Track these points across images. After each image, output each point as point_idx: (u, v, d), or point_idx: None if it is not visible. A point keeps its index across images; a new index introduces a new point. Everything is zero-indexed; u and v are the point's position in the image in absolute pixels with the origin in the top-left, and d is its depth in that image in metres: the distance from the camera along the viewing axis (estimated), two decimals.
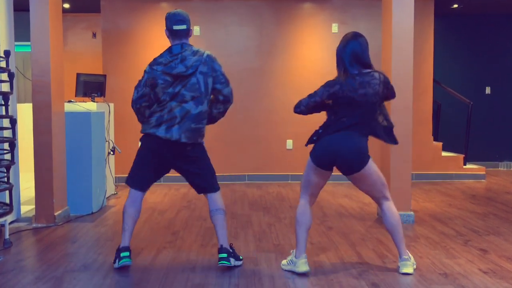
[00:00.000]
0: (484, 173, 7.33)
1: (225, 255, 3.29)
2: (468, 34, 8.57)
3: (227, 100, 3.32)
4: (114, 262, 3.31)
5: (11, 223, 4.38)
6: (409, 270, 3.20)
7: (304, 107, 3.20)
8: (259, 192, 6.37)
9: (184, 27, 3.22)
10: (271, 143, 7.22)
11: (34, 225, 4.53)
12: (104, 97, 5.89)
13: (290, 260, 3.28)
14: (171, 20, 3.22)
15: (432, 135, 7.51)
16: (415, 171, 6.99)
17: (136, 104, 3.27)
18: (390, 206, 3.25)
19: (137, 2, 7.09)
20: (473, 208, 5.27)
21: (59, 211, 4.67)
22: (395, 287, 3.00)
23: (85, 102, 5.43)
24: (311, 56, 7.19)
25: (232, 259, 3.30)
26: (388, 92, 3.24)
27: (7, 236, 3.90)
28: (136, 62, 6.83)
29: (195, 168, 3.31)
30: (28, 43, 4.59)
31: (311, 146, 3.25)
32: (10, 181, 3.96)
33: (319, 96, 3.15)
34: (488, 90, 8.62)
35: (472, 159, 8.17)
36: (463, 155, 7.46)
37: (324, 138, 3.15)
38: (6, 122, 4.16)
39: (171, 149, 3.21)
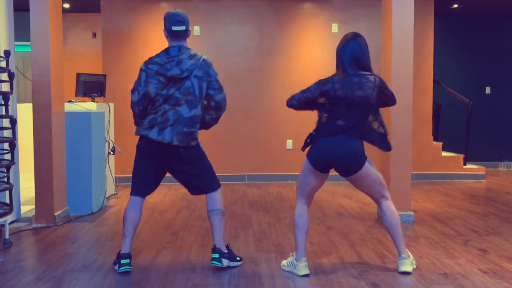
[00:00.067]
0: (484, 173, 7.33)
1: (217, 255, 3.28)
2: (468, 34, 8.57)
3: (219, 107, 3.27)
4: (115, 264, 3.30)
5: (11, 223, 4.38)
6: (408, 268, 3.20)
7: (296, 102, 3.22)
8: (259, 192, 6.37)
9: (183, 28, 3.21)
10: (271, 143, 7.22)
11: (34, 225, 4.53)
12: (104, 97, 5.89)
13: (291, 262, 3.27)
14: (170, 20, 3.20)
15: (432, 135, 7.51)
16: (415, 171, 6.99)
17: (139, 106, 3.21)
18: (389, 206, 3.26)
19: (137, 2, 7.10)
20: (473, 208, 5.27)
21: (59, 211, 4.67)
22: (395, 287, 3.00)
23: (85, 102, 5.43)
24: (311, 56, 7.19)
25: (225, 260, 3.29)
26: (386, 97, 3.23)
27: (7, 236, 3.90)
28: (136, 62, 6.82)
29: (191, 168, 3.28)
30: (28, 43, 4.59)
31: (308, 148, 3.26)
32: (10, 181, 3.96)
33: (311, 93, 3.16)
34: (488, 90, 8.63)
35: (472, 159, 8.16)
36: (463, 155, 7.46)
37: (321, 141, 3.15)
38: (6, 122, 4.16)
39: (163, 151, 3.19)
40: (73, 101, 5.31)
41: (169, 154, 3.21)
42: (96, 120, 5.16)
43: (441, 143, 7.48)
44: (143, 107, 3.22)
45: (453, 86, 8.15)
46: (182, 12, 3.24)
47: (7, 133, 4.27)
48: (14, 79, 4.10)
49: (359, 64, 3.12)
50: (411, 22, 4.58)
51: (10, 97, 4.02)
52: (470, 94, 8.20)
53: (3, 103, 3.95)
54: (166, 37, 3.25)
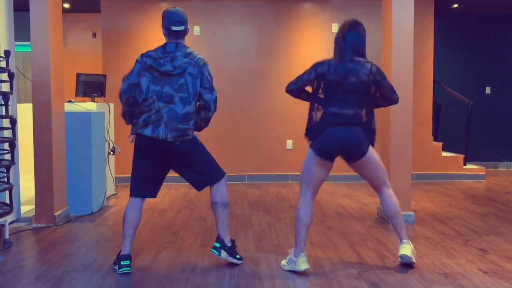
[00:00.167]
0: (484, 173, 7.33)
1: (218, 245, 3.30)
2: (468, 34, 8.57)
3: (208, 107, 3.24)
4: (115, 265, 3.30)
5: (11, 223, 4.38)
6: (407, 251, 3.23)
7: (294, 86, 3.25)
8: (259, 192, 6.37)
9: (182, 28, 3.21)
10: (271, 143, 7.22)
11: (34, 225, 4.53)
12: (104, 97, 5.89)
13: (290, 260, 3.28)
14: (169, 20, 3.20)
15: (432, 135, 7.51)
16: (415, 171, 6.99)
17: (126, 94, 3.18)
18: (391, 194, 3.34)
19: (137, 2, 7.10)
20: (473, 208, 5.27)
21: (59, 211, 4.67)
22: (395, 287, 3.00)
23: (85, 102, 5.43)
24: (311, 56, 7.17)
25: (224, 252, 3.30)
26: (384, 89, 3.22)
27: (7, 236, 3.90)
28: None
29: (190, 159, 3.24)
30: (28, 43, 4.59)
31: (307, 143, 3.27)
32: (10, 181, 3.96)
33: (307, 74, 3.21)
34: (488, 90, 8.63)
35: (472, 159, 8.16)
36: (463, 155, 7.46)
37: (328, 130, 3.15)
38: (6, 122, 4.16)
39: (159, 148, 3.17)
40: (73, 101, 5.31)
41: (166, 150, 3.19)
42: (96, 120, 5.16)
43: (441, 143, 7.48)
44: (132, 98, 3.17)
45: (453, 86, 8.15)
46: (181, 11, 3.24)
47: (7, 133, 4.27)
48: (14, 79, 4.10)
49: (357, 52, 3.18)
50: (411, 22, 4.58)
51: (10, 97, 4.02)
52: (470, 94, 8.20)
53: (3, 103, 3.95)
54: (164, 35, 3.26)
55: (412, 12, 4.58)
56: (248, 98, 7.17)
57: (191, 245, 3.92)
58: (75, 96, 5.61)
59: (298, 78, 3.25)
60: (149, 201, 5.59)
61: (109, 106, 5.73)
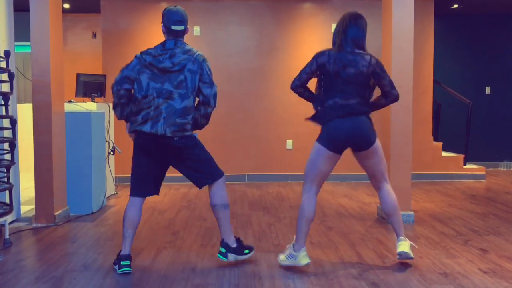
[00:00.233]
0: (484, 173, 7.33)
1: (223, 249, 3.31)
2: (468, 34, 8.57)
3: (207, 102, 3.22)
4: (115, 264, 3.30)
5: (11, 223, 4.38)
6: (406, 248, 3.24)
7: (298, 81, 3.27)
8: (259, 192, 6.37)
9: (181, 28, 3.21)
10: (271, 143, 7.22)
11: (34, 225, 4.54)
12: (104, 97, 5.89)
13: (290, 255, 3.27)
14: (169, 19, 3.20)
15: (432, 135, 7.52)
16: (415, 171, 6.99)
17: (118, 86, 3.15)
18: (390, 190, 3.36)
19: (137, 2, 7.10)
20: (473, 208, 5.27)
21: (59, 211, 4.67)
22: (395, 287, 3.00)
23: (85, 102, 5.43)
24: (311, 56, 7.16)
25: (231, 255, 3.30)
26: (383, 81, 3.21)
27: (7, 236, 3.90)
28: None
29: (188, 157, 3.22)
30: (28, 43, 4.59)
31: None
32: (10, 181, 3.97)
33: (309, 66, 3.24)
34: (488, 90, 8.63)
35: (472, 159, 8.16)
36: (463, 155, 7.46)
37: (335, 121, 3.15)
38: (6, 122, 4.16)
39: (158, 144, 3.17)
40: (73, 101, 5.31)
41: (165, 146, 3.18)
42: (96, 120, 5.16)
43: (441, 143, 7.49)
44: (123, 90, 3.15)
45: (453, 86, 8.15)
46: (182, 11, 3.23)
47: (7, 133, 4.27)
48: (14, 79, 4.10)
49: (357, 44, 3.20)
50: (411, 22, 4.59)
51: (10, 97, 4.02)
52: (470, 94, 8.21)
53: (3, 103, 3.95)
54: (164, 33, 3.26)
55: (412, 12, 4.58)
56: (248, 98, 7.17)
57: (191, 245, 3.92)
58: (75, 96, 5.61)
59: (300, 72, 3.27)
60: (149, 200, 5.59)
61: (109, 106, 5.73)
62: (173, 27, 3.19)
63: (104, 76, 6.03)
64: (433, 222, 4.65)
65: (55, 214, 4.58)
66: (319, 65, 3.19)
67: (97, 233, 4.31)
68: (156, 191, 3.36)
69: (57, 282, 3.09)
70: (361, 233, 4.25)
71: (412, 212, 4.63)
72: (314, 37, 7.21)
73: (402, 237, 3.33)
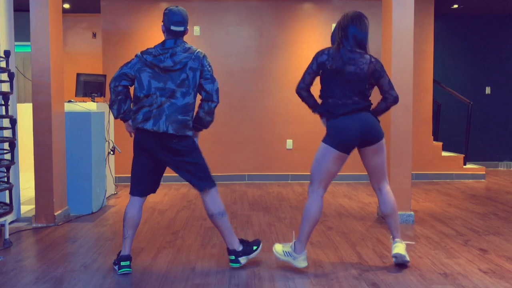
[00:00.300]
0: (484, 173, 7.33)
1: (232, 257, 3.29)
2: (468, 34, 8.57)
3: (210, 98, 3.21)
4: (115, 265, 3.30)
5: (11, 223, 4.38)
6: (401, 251, 3.23)
7: (303, 83, 3.25)
8: (259, 192, 6.37)
9: (181, 29, 3.21)
10: (271, 143, 7.22)
11: (34, 225, 4.54)
12: (104, 97, 5.89)
13: (289, 253, 3.25)
14: (170, 20, 3.20)
15: (432, 135, 7.52)
16: (415, 171, 7.00)
17: (115, 82, 3.14)
18: (390, 190, 3.35)
19: (137, 2, 7.10)
20: (473, 208, 5.27)
21: (59, 211, 4.68)
22: (395, 287, 3.00)
23: (85, 102, 5.43)
24: (311, 56, 7.13)
25: (242, 258, 3.30)
26: (382, 80, 3.20)
27: (7, 236, 3.90)
28: None
29: (186, 159, 3.21)
30: (28, 43, 4.59)
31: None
32: (10, 181, 3.97)
33: (310, 67, 3.22)
34: (488, 90, 8.63)
35: (472, 159, 8.17)
36: (463, 155, 7.46)
37: (340, 119, 3.13)
38: (6, 122, 4.16)
39: (159, 142, 3.16)
40: (73, 101, 5.31)
41: (165, 145, 3.17)
42: (96, 120, 5.16)
43: (441, 143, 7.48)
44: (121, 87, 3.14)
45: (453, 86, 8.16)
46: (183, 12, 3.23)
47: (7, 133, 4.27)
48: (14, 79, 4.10)
49: (359, 44, 3.18)
50: (411, 22, 4.58)
51: (10, 97, 4.03)
52: (470, 94, 8.21)
53: (3, 103, 3.95)
54: (163, 32, 3.25)
55: (412, 12, 4.58)
56: (248, 98, 7.18)
57: (191, 245, 3.92)
58: (75, 96, 5.61)
59: (303, 74, 3.26)
60: (149, 201, 5.60)
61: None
62: (172, 28, 3.19)
63: (104, 76, 6.03)
64: (433, 222, 4.65)
65: (55, 214, 4.58)
66: (319, 64, 3.19)
67: (97, 233, 4.31)
68: (153, 190, 3.35)
69: (57, 282, 3.09)
70: (361, 233, 4.25)
71: (412, 212, 4.63)
72: (314, 37, 7.21)
73: (398, 239, 3.31)
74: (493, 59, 8.57)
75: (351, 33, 3.17)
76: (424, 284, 3.02)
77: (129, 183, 3.37)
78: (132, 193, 3.30)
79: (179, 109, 3.15)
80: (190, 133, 3.21)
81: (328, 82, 3.19)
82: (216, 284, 3.05)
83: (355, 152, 3.30)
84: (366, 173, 3.36)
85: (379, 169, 3.28)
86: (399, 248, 3.27)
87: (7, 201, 4.04)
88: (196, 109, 3.26)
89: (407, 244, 3.43)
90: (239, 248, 3.32)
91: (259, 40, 7.21)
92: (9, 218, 4.06)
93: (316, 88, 3.29)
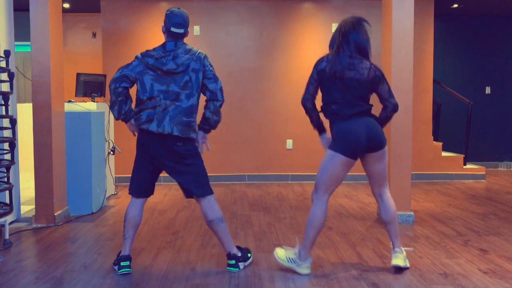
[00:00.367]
0: (484, 173, 7.33)
1: (233, 261, 3.28)
2: (468, 34, 8.57)
3: (215, 97, 3.20)
4: (115, 265, 3.30)
5: (11, 223, 4.38)
6: (400, 262, 3.21)
7: (307, 93, 3.21)
8: (259, 192, 6.37)
9: (181, 31, 3.20)
10: (271, 143, 7.22)
11: (34, 225, 4.54)
12: (104, 97, 5.89)
13: (293, 260, 3.23)
14: (171, 21, 3.20)
15: (432, 135, 7.52)
16: (415, 171, 7.00)
17: (115, 83, 3.13)
18: (390, 198, 3.30)
19: (137, 2, 7.10)
20: (473, 208, 5.27)
21: (59, 211, 4.67)
22: (395, 287, 3.00)
23: (85, 102, 5.43)
24: (311, 56, 7.18)
25: (241, 264, 3.30)
26: (381, 87, 3.16)
27: (7, 236, 3.90)
28: None
29: (187, 163, 3.20)
30: (28, 43, 4.59)
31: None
32: (10, 181, 3.97)
33: (312, 77, 3.20)
34: (488, 90, 8.63)
35: (472, 159, 8.17)
36: (463, 155, 7.46)
37: (348, 124, 3.10)
38: (6, 122, 4.16)
39: (163, 144, 3.15)
40: (73, 101, 5.31)
41: (168, 149, 3.16)
42: (96, 120, 5.16)
43: (441, 143, 7.49)
44: (121, 88, 3.13)
45: (453, 86, 8.15)
46: (184, 14, 3.22)
47: (7, 133, 4.27)
48: (14, 79, 4.10)
49: (360, 50, 3.14)
50: (411, 22, 4.58)
51: (10, 97, 4.03)
52: (470, 94, 8.21)
53: (3, 103, 3.95)
54: (163, 32, 3.25)
55: (412, 12, 4.58)
56: (248, 98, 7.17)
57: (191, 245, 3.92)
58: (75, 96, 5.61)
59: (306, 85, 3.21)
60: (149, 201, 5.60)
61: (108, 106, 5.73)
62: (172, 29, 3.19)
63: (104, 76, 6.03)
64: (433, 222, 4.65)
65: (55, 214, 4.58)
66: (319, 72, 3.15)
67: (97, 233, 4.31)
68: (152, 191, 3.36)
69: (57, 282, 3.09)
70: (361, 233, 4.25)
71: (412, 212, 4.63)
72: (314, 37, 7.21)
73: (398, 248, 3.26)
74: (493, 59, 8.57)
75: (352, 38, 3.12)
76: (424, 284, 3.02)
77: (129, 183, 3.36)
78: (134, 194, 3.29)
79: (183, 111, 3.15)
80: (194, 135, 3.21)
81: (328, 87, 3.15)
82: (216, 284, 3.05)
83: None
84: (362, 164, 3.32)
85: (381, 176, 3.25)
86: (399, 259, 3.22)
87: (7, 201, 4.04)
88: (199, 111, 3.26)
89: (406, 251, 3.41)
90: (238, 253, 3.32)
91: (259, 40, 7.22)
92: (9, 218, 4.06)
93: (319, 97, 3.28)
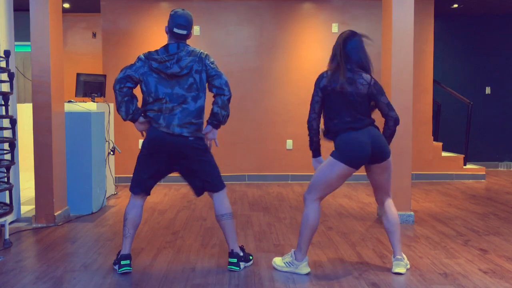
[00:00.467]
0: (484, 173, 7.33)
1: (235, 260, 3.29)
2: (468, 34, 8.57)
3: (221, 92, 3.22)
4: (115, 264, 3.30)
5: (11, 223, 4.38)
6: (402, 270, 3.20)
7: (313, 113, 3.20)
8: (259, 192, 6.37)
9: (184, 32, 3.21)
10: (271, 143, 7.22)
11: (34, 225, 4.53)
12: (104, 97, 5.89)
13: (290, 263, 3.24)
14: (174, 22, 3.20)
15: (432, 135, 7.52)
16: (415, 171, 7.00)
17: (120, 84, 3.12)
18: (392, 205, 3.31)
19: (137, 2, 7.10)
20: (473, 208, 5.27)
21: (59, 211, 4.67)
22: (395, 287, 3.00)
23: (85, 102, 5.42)
24: (311, 56, 7.19)
25: (242, 263, 3.30)
26: (380, 103, 3.16)
27: (7, 236, 3.90)
28: None
29: (199, 160, 3.22)
30: (28, 43, 4.59)
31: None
32: (10, 181, 3.97)
33: (315, 95, 3.19)
34: (488, 90, 8.63)
35: (472, 159, 8.17)
36: (463, 155, 7.46)
37: (352, 134, 3.09)
38: (6, 122, 4.16)
39: (173, 144, 3.15)
40: (73, 101, 5.31)
41: (177, 146, 3.16)
42: (96, 120, 5.16)
43: (441, 143, 7.49)
44: (126, 88, 3.13)
45: (453, 86, 8.15)
46: (188, 15, 3.23)
47: (7, 133, 4.27)
48: (14, 79, 4.10)
49: (357, 62, 3.14)
50: (411, 22, 4.58)
51: (10, 97, 4.02)
52: (470, 94, 8.21)
53: (3, 103, 3.95)
54: (166, 33, 3.26)
55: (412, 12, 4.58)
56: (248, 98, 7.17)
57: (191, 245, 3.92)
58: (75, 96, 5.60)
59: (311, 104, 3.21)
60: (149, 201, 5.60)
61: (109, 106, 5.73)
62: (175, 30, 3.19)
63: (104, 76, 6.03)
64: (433, 222, 4.65)
65: (55, 214, 4.58)
66: (322, 89, 3.15)
67: (97, 233, 4.30)
68: (149, 192, 3.34)
69: (57, 282, 3.09)
70: (361, 233, 4.25)
71: (412, 212, 4.63)
72: (314, 37, 7.21)
73: (399, 256, 3.25)
74: (493, 59, 8.57)
75: (350, 53, 3.13)
76: (424, 284, 3.02)
77: (129, 184, 3.36)
78: (136, 193, 3.29)
79: (192, 113, 3.17)
80: (202, 135, 3.25)
81: (331, 103, 3.15)
82: (216, 284, 3.05)
83: None
84: (366, 173, 3.33)
85: (385, 186, 3.26)
86: (400, 268, 3.21)
87: (7, 201, 4.04)
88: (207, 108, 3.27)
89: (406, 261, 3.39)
90: (241, 253, 3.33)
91: (259, 40, 7.21)
92: (9, 218, 4.06)
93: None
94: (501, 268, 3.31)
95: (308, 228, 3.18)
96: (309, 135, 3.26)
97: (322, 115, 3.24)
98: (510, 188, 6.62)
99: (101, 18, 7.11)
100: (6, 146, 4.19)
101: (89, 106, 5.23)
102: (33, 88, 4.57)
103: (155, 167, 3.25)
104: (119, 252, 3.33)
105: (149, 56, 3.18)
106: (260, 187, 6.76)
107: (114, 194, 6.10)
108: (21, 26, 5.49)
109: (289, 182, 7.14)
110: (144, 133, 3.29)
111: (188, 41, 3.32)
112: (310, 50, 7.20)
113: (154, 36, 6.99)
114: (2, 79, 4.11)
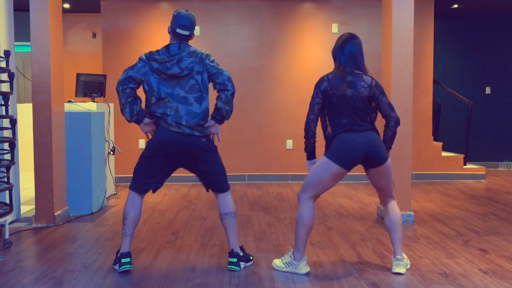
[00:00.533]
0: (484, 173, 7.33)
1: (235, 259, 3.29)
2: (468, 34, 8.57)
3: (225, 87, 3.19)
4: (115, 264, 3.30)
5: (11, 223, 4.38)
6: (402, 270, 3.20)
7: (312, 114, 3.20)
8: (259, 192, 6.37)
9: (187, 33, 3.21)
10: (271, 143, 7.22)
11: (34, 225, 4.53)
12: (104, 97, 5.89)
13: (289, 263, 3.25)
14: (177, 22, 3.20)
15: (432, 135, 7.52)
16: (415, 171, 7.00)
17: (123, 85, 3.13)
18: (395, 205, 3.31)
19: (137, 2, 7.10)
20: (473, 208, 5.27)
21: (59, 211, 4.67)
22: (395, 287, 3.00)
23: (85, 102, 5.42)
24: (311, 56, 7.19)
25: (242, 263, 3.30)
26: (381, 104, 3.16)
27: (7, 236, 3.90)
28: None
29: (208, 157, 3.24)
30: (28, 43, 4.59)
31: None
32: (10, 181, 3.97)
33: (316, 97, 3.19)
34: (488, 90, 8.63)
35: (472, 159, 8.17)
36: (463, 155, 7.46)
37: (348, 135, 3.10)
38: (6, 122, 4.16)
39: (186, 143, 3.16)
40: (73, 101, 5.31)
41: (187, 145, 3.17)
42: (96, 120, 5.16)
43: (441, 143, 7.49)
44: (129, 89, 3.13)
45: (453, 86, 8.15)
46: (191, 16, 3.23)
47: (7, 133, 4.27)
48: (14, 79, 4.10)
49: (356, 64, 3.15)
50: (411, 22, 4.58)
51: (10, 97, 4.02)
52: (470, 94, 8.21)
53: (3, 103, 3.95)
54: (169, 33, 3.26)
55: (412, 12, 4.58)
56: (248, 98, 7.17)
57: (191, 245, 3.92)
58: (75, 96, 5.60)
59: (311, 105, 3.20)
60: (149, 201, 5.60)
61: (109, 106, 5.73)
62: (178, 31, 3.19)
63: (104, 76, 6.03)
64: (433, 222, 4.65)
65: (55, 214, 4.58)
66: (322, 92, 3.15)
67: (97, 233, 4.30)
68: (151, 187, 3.33)
69: (57, 282, 3.09)
70: (361, 233, 4.25)
71: (412, 212, 4.63)
72: (314, 37, 7.21)
73: (400, 257, 3.26)
74: (493, 59, 8.57)
75: (349, 55, 3.14)
76: (424, 284, 3.02)
77: (129, 183, 3.36)
78: (135, 190, 3.28)
79: (199, 116, 3.19)
80: (210, 136, 3.29)
81: (331, 107, 3.15)
82: (216, 284, 3.05)
83: None
84: (366, 173, 3.34)
85: (386, 190, 3.27)
86: (400, 268, 3.21)
87: (7, 201, 4.04)
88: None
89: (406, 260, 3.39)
90: (241, 253, 3.33)
91: (259, 40, 7.21)
92: (9, 218, 4.06)
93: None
94: (501, 268, 3.31)
95: (303, 227, 3.19)
96: (305, 136, 3.25)
97: (320, 118, 3.25)
98: (510, 188, 6.62)
99: (101, 18, 7.11)
100: (6, 146, 4.20)
101: (89, 106, 5.23)
102: (33, 88, 4.57)
103: (160, 169, 3.26)
104: (118, 250, 3.33)
105: (150, 56, 3.18)
106: (260, 187, 6.76)
107: (114, 194, 6.10)
108: (21, 26, 5.49)
109: (289, 182, 7.14)
110: (150, 135, 3.28)
111: (189, 41, 3.32)
112: (310, 50, 7.20)
113: (154, 36, 6.99)
114: (2, 79, 4.11)
